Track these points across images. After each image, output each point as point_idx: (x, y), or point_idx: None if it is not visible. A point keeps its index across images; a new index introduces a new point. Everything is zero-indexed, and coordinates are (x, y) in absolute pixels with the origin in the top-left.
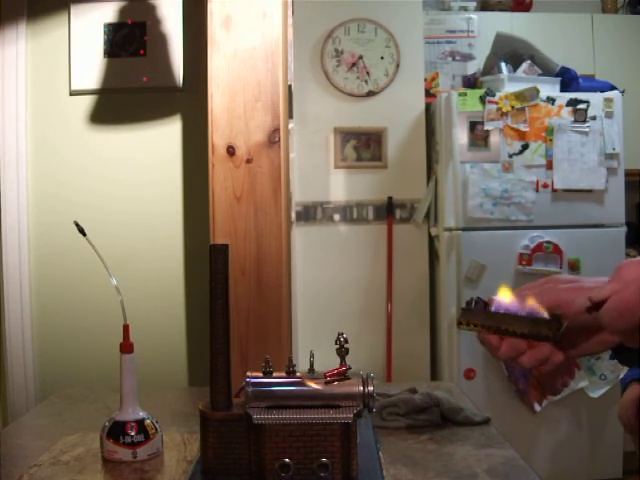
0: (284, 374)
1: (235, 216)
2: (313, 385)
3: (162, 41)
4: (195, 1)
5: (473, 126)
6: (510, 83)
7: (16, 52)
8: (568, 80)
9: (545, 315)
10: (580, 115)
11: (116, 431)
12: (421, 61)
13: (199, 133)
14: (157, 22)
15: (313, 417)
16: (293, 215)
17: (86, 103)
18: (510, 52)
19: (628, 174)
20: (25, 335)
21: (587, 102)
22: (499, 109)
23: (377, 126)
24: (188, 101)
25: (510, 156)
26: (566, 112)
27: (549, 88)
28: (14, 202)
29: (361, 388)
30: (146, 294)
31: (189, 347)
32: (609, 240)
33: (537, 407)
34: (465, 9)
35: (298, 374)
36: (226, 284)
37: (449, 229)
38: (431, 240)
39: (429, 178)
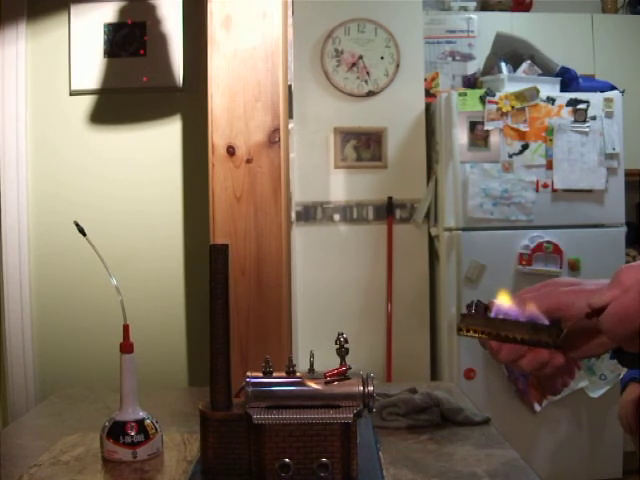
0: (284, 374)
1: (235, 216)
2: (313, 385)
3: (162, 41)
4: (195, 1)
5: (473, 126)
6: (510, 83)
7: (16, 52)
8: (568, 80)
9: (545, 321)
10: (580, 115)
11: (116, 431)
12: (421, 61)
13: (199, 133)
14: (157, 22)
15: (313, 417)
16: (293, 215)
17: (86, 103)
18: (510, 52)
19: (628, 174)
20: (25, 335)
21: (587, 102)
22: (499, 109)
23: (377, 126)
24: (188, 101)
25: (510, 156)
26: (566, 112)
27: (549, 88)
28: (14, 202)
29: (361, 388)
30: (146, 294)
31: (189, 347)
32: (609, 240)
33: (537, 407)
34: (465, 9)
35: (298, 374)
36: (226, 284)
37: (449, 229)
38: (431, 240)
39: (429, 178)
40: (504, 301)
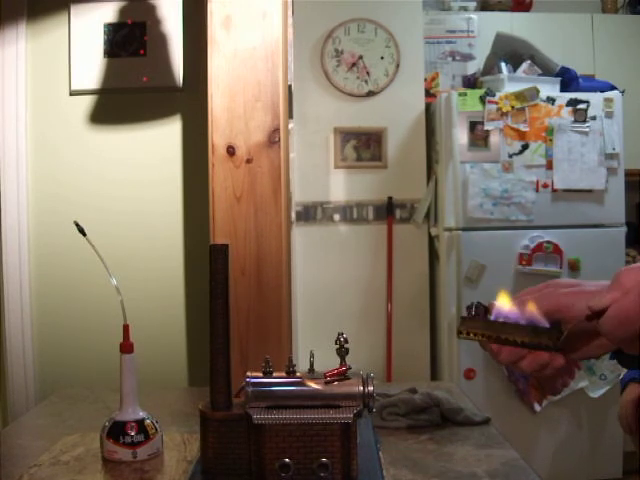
0: (284, 374)
1: (235, 216)
2: (313, 385)
3: (162, 41)
4: (195, 1)
5: (473, 126)
6: (510, 83)
7: (16, 52)
8: (568, 80)
9: (545, 324)
10: (580, 115)
11: (116, 431)
12: (421, 61)
13: (199, 133)
14: (157, 22)
15: (313, 417)
16: (293, 215)
17: (86, 103)
18: (510, 52)
19: (628, 174)
20: (25, 335)
21: (587, 102)
22: (499, 109)
23: (377, 126)
24: (188, 101)
25: (510, 156)
26: (566, 112)
27: (549, 88)
28: (14, 202)
29: (361, 388)
30: (146, 294)
31: (189, 347)
32: (609, 240)
33: (537, 407)
34: (465, 9)
35: (298, 374)
36: (226, 284)
37: (449, 229)
38: (431, 240)
39: (429, 178)
40: (504, 303)
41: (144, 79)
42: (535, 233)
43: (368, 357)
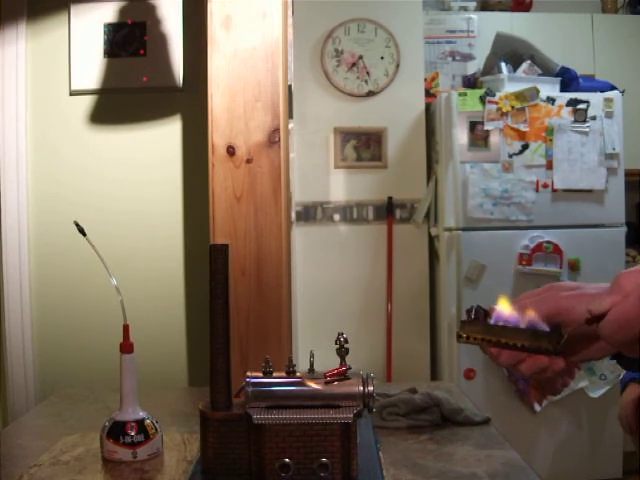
0: (284, 374)
1: (235, 216)
2: (313, 385)
3: (162, 41)
4: (195, 1)
5: (473, 126)
6: (510, 83)
7: (16, 52)
8: (568, 80)
9: (545, 327)
10: (580, 115)
11: (116, 431)
12: (421, 61)
13: (199, 133)
14: (157, 22)
15: (313, 417)
16: (293, 215)
17: (86, 103)
18: (510, 52)
19: (628, 174)
20: (25, 335)
21: (587, 102)
22: (499, 109)
23: (377, 126)
24: (188, 101)
25: (510, 156)
26: (566, 112)
27: (549, 88)
28: (14, 202)
29: (361, 388)
30: (146, 294)
31: (189, 347)
32: (609, 240)
33: (537, 407)
34: (465, 9)
35: (298, 374)
36: (226, 284)
37: (449, 229)
38: (431, 240)
39: (429, 178)
40: (504, 307)
41: (144, 79)
42: (535, 233)
43: (368, 357)
